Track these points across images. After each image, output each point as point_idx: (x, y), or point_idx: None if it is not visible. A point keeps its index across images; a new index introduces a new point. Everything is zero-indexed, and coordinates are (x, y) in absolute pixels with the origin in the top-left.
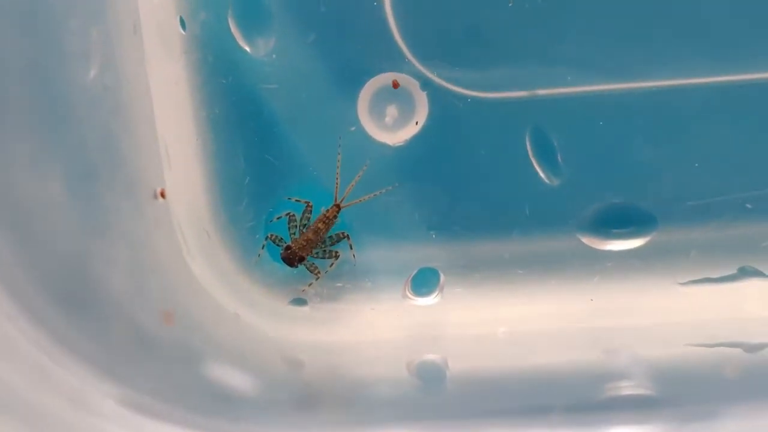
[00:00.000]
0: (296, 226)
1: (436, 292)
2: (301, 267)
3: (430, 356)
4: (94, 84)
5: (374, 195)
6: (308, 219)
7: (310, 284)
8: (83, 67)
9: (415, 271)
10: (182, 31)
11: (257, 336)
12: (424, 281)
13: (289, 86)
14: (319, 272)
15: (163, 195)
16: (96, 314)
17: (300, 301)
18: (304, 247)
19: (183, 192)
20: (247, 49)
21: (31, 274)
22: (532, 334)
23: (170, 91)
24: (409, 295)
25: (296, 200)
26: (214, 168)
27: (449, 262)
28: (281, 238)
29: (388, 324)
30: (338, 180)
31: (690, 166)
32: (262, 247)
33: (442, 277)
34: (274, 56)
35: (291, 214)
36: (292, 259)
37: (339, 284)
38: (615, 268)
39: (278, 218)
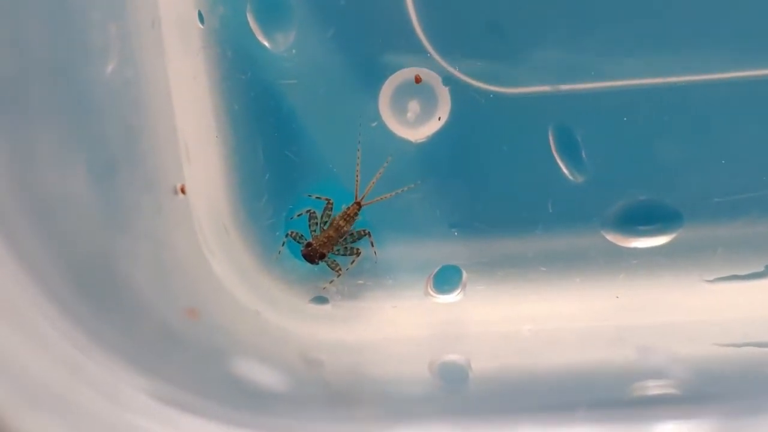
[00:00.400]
0: (317, 223)
1: (459, 290)
2: (321, 264)
3: (453, 354)
4: (113, 78)
5: (395, 193)
6: (329, 216)
7: (332, 281)
8: (103, 61)
9: (437, 269)
10: (201, 26)
11: (278, 333)
12: (446, 279)
13: (309, 81)
14: (340, 269)
15: (183, 191)
16: (123, 309)
17: (321, 299)
18: (324, 244)
19: (203, 188)
20: (266, 44)
21: (58, 268)
22: (556, 331)
23: (189, 86)
24: (431, 293)
25: (317, 197)
26: (234, 164)
27: (471, 259)
28: (302, 235)
29: (410, 322)
30: (359, 177)
31: (717, 162)
32: (282, 244)
33: (464, 275)
34: (293, 51)
35: (311, 211)
36: (312, 256)
37: (360, 282)
38: (640, 266)
39: (299, 215)
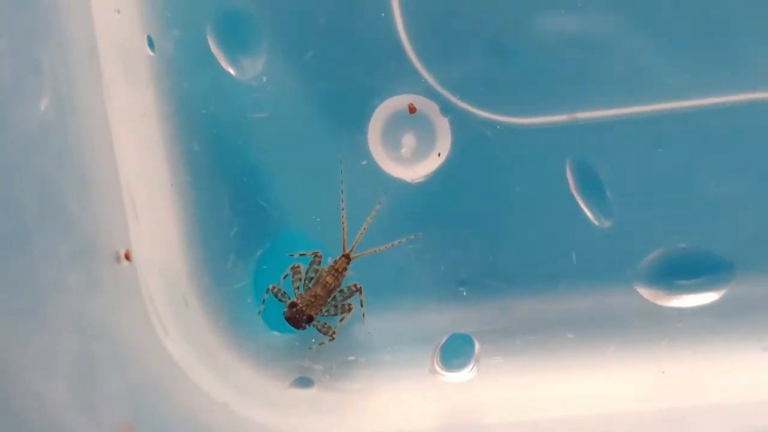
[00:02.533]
0: (300, 279)
1: (471, 365)
2: (310, 329)
3: None
4: (28, 123)
5: (391, 245)
6: (315, 272)
7: (322, 344)
8: (14, 102)
9: (444, 339)
10: (151, 53)
11: (253, 430)
12: (455, 351)
13: (284, 114)
14: (334, 333)
15: (128, 257)
16: None
17: (304, 381)
18: (311, 305)
19: (154, 251)
20: (231, 71)
21: None
22: (591, 417)
23: (136, 127)
24: (438, 370)
25: (300, 254)
26: (193, 218)
27: (484, 325)
28: (285, 293)
29: (413, 408)
30: (345, 225)
31: None
32: (263, 301)
33: (477, 346)
34: (264, 79)
35: (295, 266)
36: (298, 319)
37: (351, 358)
38: (686, 330)
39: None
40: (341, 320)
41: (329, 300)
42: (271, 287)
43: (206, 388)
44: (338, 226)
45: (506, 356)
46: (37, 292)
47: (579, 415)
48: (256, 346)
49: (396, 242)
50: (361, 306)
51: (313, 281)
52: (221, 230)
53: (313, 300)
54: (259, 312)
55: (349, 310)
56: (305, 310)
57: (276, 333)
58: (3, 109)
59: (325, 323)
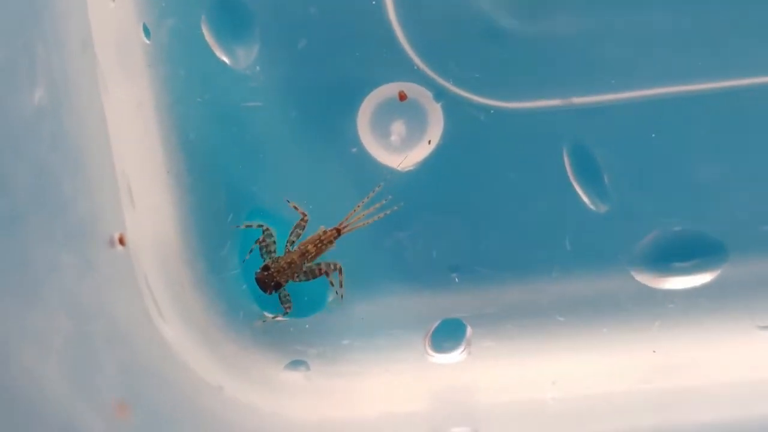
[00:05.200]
0: (274, 242)
1: (462, 347)
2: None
3: (459, 430)
4: (22, 110)
5: (378, 217)
6: (297, 235)
7: (274, 317)
8: (9, 88)
9: (436, 323)
10: (146, 41)
11: (247, 414)
12: (447, 334)
13: (277, 102)
14: (290, 307)
15: (122, 241)
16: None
17: (298, 363)
18: (283, 271)
19: (150, 237)
20: (226, 60)
21: None
22: (581, 398)
23: (132, 115)
24: (430, 352)
25: (293, 206)
26: (189, 205)
27: (476, 310)
28: (271, 251)
29: (406, 390)
30: (356, 213)
31: (765, 182)
32: (250, 251)
33: (468, 329)
34: (257, 68)
35: (265, 227)
36: (267, 283)
37: (346, 341)
38: (679, 311)
39: (247, 226)
40: (341, 286)
41: (304, 269)
42: (260, 239)
43: (201, 371)
44: (330, 210)
45: (498, 340)
46: (31, 272)
47: (570, 395)
48: (251, 330)
49: (381, 215)
50: (341, 286)
51: (294, 245)
52: (217, 217)
53: (286, 267)
54: (243, 261)
55: (338, 269)
56: (275, 276)
57: (268, 315)
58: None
59: (287, 294)
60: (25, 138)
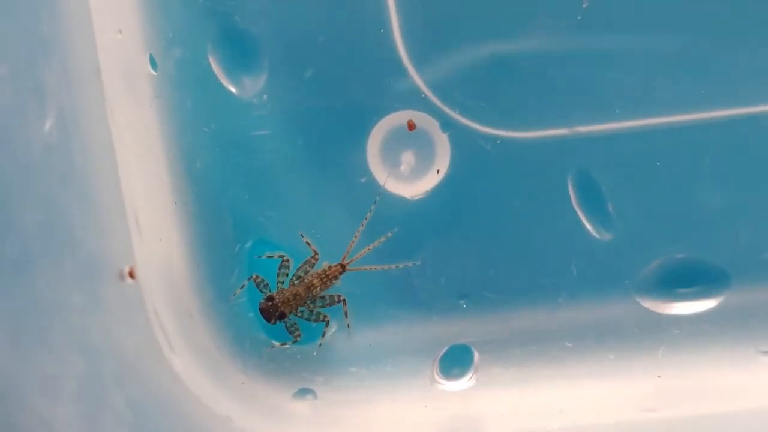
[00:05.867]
0: (287, 274)
1: (470, 374)
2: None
3: None
4: (32, 146)
5: (388, 267)
6: (306, 272)
7: (284, 344)
8: (18, 125)
9: (444, 350)
10: (153, 72)
11: None
12: (455, 361)
13: (284, 132)
14: (299, 335)
15: (132, 275)
16: None
17: (306, 392)
18: (288, 302)
19: (158, 266)
20: (233, 89)
21: None
22: (588, 427)
23: (139, 145)
24: (438, 379)
25: (307, 242)
26: (197, 235)
27: (484, 336)
28: (267, 284)
29: (413, 418)
30: (356, 239)
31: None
32: (241, 287)
33: (476, 355)
34: (264, 97)
35: (286, 258)
36: (270, 313)
37: (353, 369)
38: (684, 337)
39: (269, 256)
40: (323, 336)
41: (308, 302)
42: (254, 276)
43: (209, 402)
44: (339, 242)
45: (505, 366)
46: (41, 314)
47: (577, 424)
48: (259, 359)
49: (394, 266)
50: (346, 317)
51: (300, 281)
52: (224, 246)
53: (291, 299)
54: (233, 294)
55: (326, 321)
56: (280, 307)
57: (276, 343)
58: (6, 132)
59: (295, 323)
60: (35, 176)
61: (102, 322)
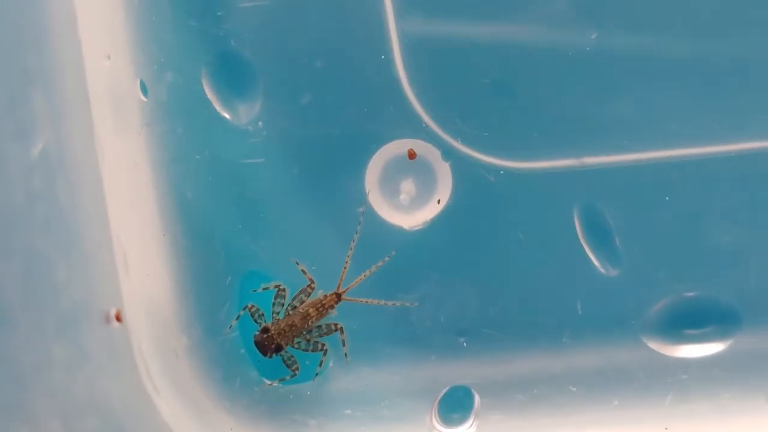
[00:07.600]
0: (283, 304)
1: (471, 419)
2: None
3: None
4: (13, 195)
5: (385, 303)
6: (302, 301)
7: (282, 380)
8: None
9: (443, 392)
10: (143, 98)
11: None
12: (455, 405)
13: (280, 160)
14: (297, 368)
15: (118, 318)
16: None
17: None
18: (284, 334)
19: (145, 302)
20: (226, 115)
21: None
22: None
23: (128, 175)
24: (437, 425)
25: (302, 269)
26: (187, 268)
27: (485, 378)
28: (262, 314)
29: None
30: (347, 265)
31: None
32: (237, 318)
33: (477, 399)
34: (259, 124)
35: (282, 287)
36: (266, 346)
37: (347, 411)
38: (692, 382)
39: (265, 288)
40: (320, 364)
41: (304, 333)
42: (249, 306)
43: None
44: (334, 273)
45: (506, 412)
46: (18, 377)
47: None
48: (249, 400)
49: (391, 303)
50: (343, 345)
51: (295, 310)
52: (215, 279)
53: (287, 329)
54: (229, 327)
55: (324, 350)
56: (276, 339)
57: (268, 382)
58: None
59: (292, 356)
60: (17, 227)
61: (85, 375)
